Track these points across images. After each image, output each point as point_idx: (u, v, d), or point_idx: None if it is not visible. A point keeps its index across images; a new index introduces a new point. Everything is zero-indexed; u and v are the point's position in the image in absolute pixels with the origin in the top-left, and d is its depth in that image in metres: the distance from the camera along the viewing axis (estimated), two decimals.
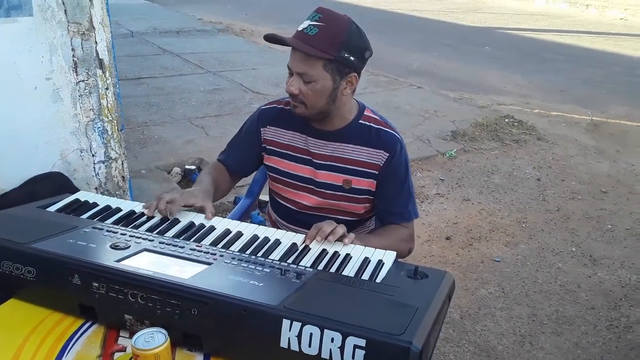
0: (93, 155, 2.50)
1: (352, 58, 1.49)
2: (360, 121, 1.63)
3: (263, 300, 1.03)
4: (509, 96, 5.89)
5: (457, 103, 5.58)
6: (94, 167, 2.53)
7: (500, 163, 4.25)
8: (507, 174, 4.08)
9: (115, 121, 2.52)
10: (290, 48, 1.50)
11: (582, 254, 3.12)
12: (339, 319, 0.99)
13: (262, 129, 1.71)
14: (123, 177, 2.64)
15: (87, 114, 2.42)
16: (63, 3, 2.25)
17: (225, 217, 1.78)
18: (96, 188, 2.54)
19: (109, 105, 2.48)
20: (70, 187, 2.32)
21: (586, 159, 4.41)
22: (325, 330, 0.98)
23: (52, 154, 2.38)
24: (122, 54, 5.56)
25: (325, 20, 1.46)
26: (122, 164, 2.62)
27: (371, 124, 1.63)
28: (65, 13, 2.27)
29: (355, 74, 1.53)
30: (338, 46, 1.46)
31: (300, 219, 1.71)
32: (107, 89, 2.45)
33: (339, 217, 1.67)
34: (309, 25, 1.45)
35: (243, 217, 2.00)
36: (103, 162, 2.54)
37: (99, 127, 2.47)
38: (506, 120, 5.07)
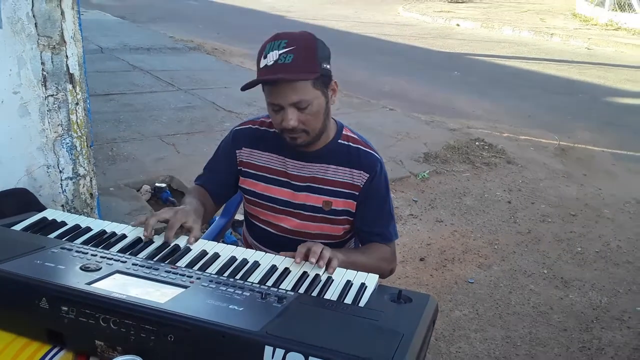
0: (60, 172, 2.41)
1: (328, 67, 1.47)
2: (340, 141, 1.61)
3: (243, 326, 0.99)
4: (478, 120, 5.99)
5: (429, 126, 5.64)
6: (61, 184, 2.44)
7: (472, 185, 4.29)
8: (479, 196, 4.12)
9: (84, 137, 2.45)
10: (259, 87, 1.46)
11: (553, 275, 3.14)
12: (323, 345, 0.96)
13: (237, 151, 1.66)
14: (91, 194, 2.55)
15: (56, 129, 2.34)
16: (34, 16, 2.18)
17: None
18: (63, 205, 2.45)
19: (78, 120, 2.40)
20: (35, 204, 2.22)
21: (555, 182, 4.49)
22: (309, 357, 0.94)
23: (17, 169, 2.28)
24: (91, 69, 5.44)
25: (292, 43, 1.40)
26: (91, 181, 2.53)
27: (350, 144, 1.61)
28: (36, 26, 2.20)
29: (335, 80, 1.52)
30: (317, 61, 1.43)
31: (277, 242, 1.64)
32: (77, 104, 2.38)
33: (318, 240, 1.61)
34: (280, 55, 1.39)
35: (218, 237, 1.94)
36: (71, 179, 2.46)
37: (68, 143, 2.39)
38: (477, 143, 5.14)
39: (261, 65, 1.42)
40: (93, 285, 1.07)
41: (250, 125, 1.67)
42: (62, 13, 2.25)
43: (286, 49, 1.39)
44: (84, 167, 2.47)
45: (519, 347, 2.54)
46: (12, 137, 2.23)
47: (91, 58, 6.55)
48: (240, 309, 1.05)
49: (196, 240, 1.38)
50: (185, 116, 5.19)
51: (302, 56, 1.40)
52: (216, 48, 8.50)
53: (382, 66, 8.24)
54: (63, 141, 2.37)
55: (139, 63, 7.07)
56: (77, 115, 2.39)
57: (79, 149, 2.43)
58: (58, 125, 2.34)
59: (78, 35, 2.33)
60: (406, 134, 5.27)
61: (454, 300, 2.85)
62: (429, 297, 1.22)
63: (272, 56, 1.39)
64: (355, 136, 1.64)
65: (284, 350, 0.94)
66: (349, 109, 5.83)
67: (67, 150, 2.40)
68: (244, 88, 1.47)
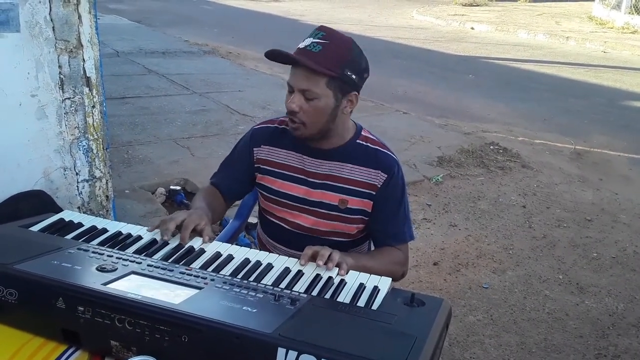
0: (77, 174, 2.44)
1: (354, 77, 1.49)
2: (358, 141, 1.63)
3: (257, 327, 0.99)
4: (493, 123, 5.95)
5: (443, 129, 5.62)
6: (78, 186, 2.47)
7: (486, 189, 4.26)
8: (493, 200, 4.09)
9: (100, 140, 2.48)
10: (286, 66, 1.49)
11: (569, 281, 3.11)
12: (336, 347, 0.96)
13: (255, 149, 1.68)
14: (107, 196, 2.58)
15: (73, 131, 2.37)
16: (51, 20, 2.22)
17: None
18: (79, 207, 2.48)
19: (94, 123, 2.43)
20: (52, 206, 2.25)
21: (570, 187, 4.45)
22: (322, 359, 0.94)
23: (34, 171, 2.31)
24: (107, 73, 5.50)
25: (329, 38, 1.45)
26: (107, 183, 2.56)
27: (368, 144, 1.63)
28: (53, 30, 2.23)
29: (356, 93, 1.54)
30: (342, 64, 1.46)
31: (292, 240, 1.68)
32: (93, 107, 2.41)
33: (332, 238, 1.64)
34: (312, 42, 1.45)
35: (232, 239, 1.95)
36: (87, 181, 2.48)
37: (84, 146, 2.42)
38: (491, 147, 5.11)
39: (296, 47, 1.47)
40: (109, 285, 1.08)
41: (269, 125, 1.70)
42: (79, 17, 2.28)
43: (320, 40, 1.45)
44: (100, 170, 2.50)
45: (534, 353, 2.52)
46: (29, 139, 2.26)
47: (107, 62, 6.61)
48: (254, 311, 1.05)
49: (211, 240, 1.39)
50: (200, 119, 5.22)
51: (330, 52, 1.44)
52: (231, 52, 8.55)
53: (396, 69, 8.22)
54: (80, 144, 2.40)
55: (154, 67, 7.13)
56: (93, 118, 2.42)
57: (95, 151, 2.46)
58: (75, 127, 2.37)
59: (95, 39, 2.36)
60: (420, 138, 5.25)
61: (468, 305, 2.83)
62: (442, 301, 1.22)
63: (306, 42, 1.46)
64: (374, 138, 1.66)
65: (296, 353, 0.94)
66: (362, 112, 5.81)
67: (83, 153, 2.42)
68: (267, 53, 1.49)
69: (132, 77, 6.56)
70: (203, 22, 11.42)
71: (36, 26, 2.18)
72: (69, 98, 2.33)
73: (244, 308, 1.06)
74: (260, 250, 1.75)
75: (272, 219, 1.72)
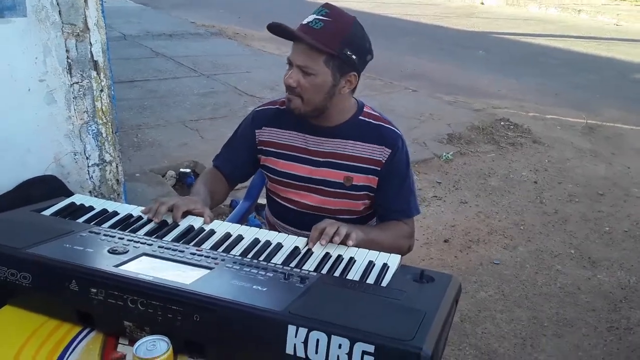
0: (87, 158, 2.46)
1: (354, 57, 1.49)
2: (360, 117, 1.63)
3: (267, 306, 1.00)
4: (503, 99, 5.89)
5: (452, 106, 5.57)
6: (88, 170, 2.49)
7: (497, 166, 4.24)
8: (504, 176, 4.07)
9: (109, 123, 2.49)
10: (290, 42, 1.50)
11: (580, 256, 3.10)
12: (346, 324, 0.97)
13: (257, 131, 1.68)
14: (117, 180, 2.60)
15: (82, 116, 2.38)
16: (57, 4, 2.21)
17: (223, 220, 1.74)
18: (90, 191, 2.50)
19: (103, 107, 2.44)
20: (64, 191, 2.28)
21: (582, 161, 4.41)
22: (332, 336, 0.95)
23: (45, 157, 2.33)
24: (114, 56, 5.48)
25: (332, 15, 1.45)
26: (117, 167, 2.58)
27: (371, 120, 1.63)
28: (60, 14, 2.23)
29: (355, 74, 1.53)
30: (341, 42, 1.45)
31: (298, 220, 1.68)
32: (101, 91, 2.42)
33: (339, 216, 1.64)
34: (315, 19, 1.45)
35: (241, 220, 1.96)
36: (97, 165, 2.50)
37: (93, 130, 2.43)
38: (502, 123, 5.07)
39: (302, 22, 1.48)
40: (121, 267, 1.09)
41: (270, 106, 1.71)
42: (85, 0, 2.28)
43: (322, 17, 1.45)
44: (109, 154, 2.52)
45: (545, 327, 2.52)
46: (39, 124, 2.28)
47: (114, 45, 6.59)
48: (264, 290, 1.06)
49: (211, 220, 1.40)
50: (208, 101, 5.22)
51: (330, 30, 1.44)
52: (237, 33, 8.50)
53: (405, 47, 8.14)
54: (89, 128, 2.41)
55: (162, 49, 7.11)
56: (102, 102, 2.43)
57: (104, 135, 2.47)
58: (84, 112, 2.38)
59: (101, 22, 2.35)
60: (429, 115, 5.21)
61: (479, 281, 2.84)
62: (452, 277, 1.22)
63: (309, 18, 1.47)
64: (376, 114, 1.66)
65: (306, 329, 0.95)
66: (371, 91, 5.79)
67: (93, 137, 2.44)
68: (269, 25, 1.50)
69: (139, 60, 6.56)
70: (209, 3, 11.32)
71: (42, 10, 2.18)
72: (77, 82, 2.34)
73: (254, 287, 1.07)
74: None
75: (278, 200, 1.73)
